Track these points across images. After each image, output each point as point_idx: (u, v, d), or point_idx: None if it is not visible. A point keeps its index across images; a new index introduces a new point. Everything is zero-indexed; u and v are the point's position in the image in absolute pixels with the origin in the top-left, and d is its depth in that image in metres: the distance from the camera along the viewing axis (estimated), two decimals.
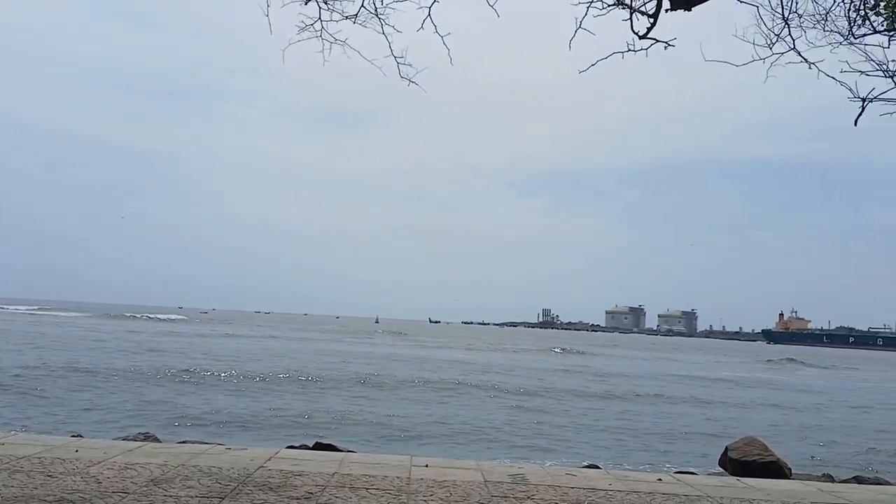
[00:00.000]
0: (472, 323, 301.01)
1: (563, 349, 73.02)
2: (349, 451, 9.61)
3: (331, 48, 6.50)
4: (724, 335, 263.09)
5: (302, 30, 6.39)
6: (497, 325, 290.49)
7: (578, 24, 6.27)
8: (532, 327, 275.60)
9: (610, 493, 6.28)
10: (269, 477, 6.22)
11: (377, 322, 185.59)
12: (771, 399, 34.96)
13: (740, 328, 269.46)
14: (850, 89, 7.43)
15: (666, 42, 6.96)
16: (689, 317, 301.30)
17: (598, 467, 10.97)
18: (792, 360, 77.99)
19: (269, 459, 7.01)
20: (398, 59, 6.47)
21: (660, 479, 7.09)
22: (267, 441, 14.74)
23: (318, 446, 10.53)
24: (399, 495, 5.81)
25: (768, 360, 75.82)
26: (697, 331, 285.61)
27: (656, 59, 7.25)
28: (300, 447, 10.50)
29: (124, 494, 5.38)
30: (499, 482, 6.46)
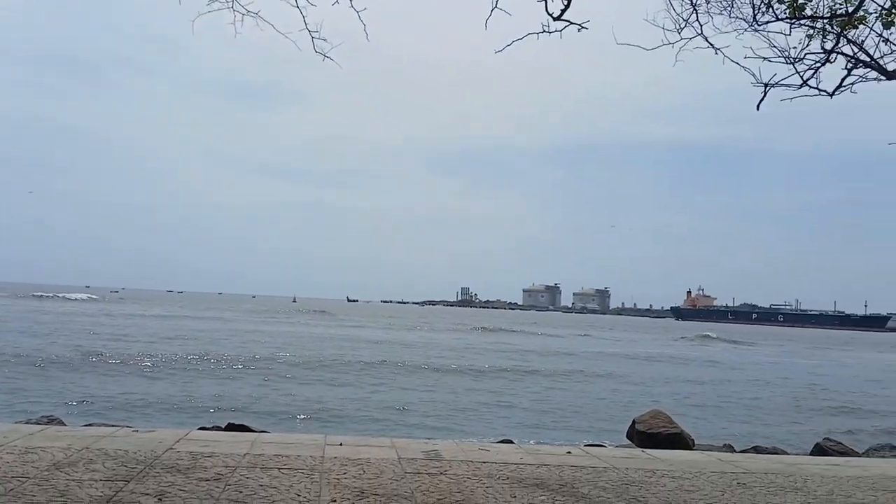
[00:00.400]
0: (391, 302, 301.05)
1: (482, 327, 73.88)
2: (262, 432, 9.50)
3: (243, 20, 6.30)
4: (636, 312, 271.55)
5: (213, 0, 6.18)
6: (417, 303, 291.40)
7: (494, 3, 6.28)
8: (451, 306, 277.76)
9: (521, 466, 6.42)
10: (177, 459, 6.09)
11: (294, 301, 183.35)
12: (680, 373, 36.34)
13: (650, 306, 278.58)
14: (754, 75, 7.71)
15: (580, 24, 7.06)
16: (603, 295, 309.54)
17: (511, 442, 11.20)
18: (707, 336, 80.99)
19: (178, 441, 6.86)
20: (313, 33, 6.33)
21: (569, 452, 7.29)
22: (178, 424, 14.40)
23: (231, 427, 10.34)
24: (311, 474, 5.79)
25: (682, 337, 78.57)
26: (610, 308, 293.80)
27: (573, 41, 7.34)
28: (212, 428, 10.30)
29: (24, 479, 5.18)
30: (413, 459, 6.52)
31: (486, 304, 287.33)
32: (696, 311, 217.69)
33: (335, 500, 5.05)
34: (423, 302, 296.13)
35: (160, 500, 4.88)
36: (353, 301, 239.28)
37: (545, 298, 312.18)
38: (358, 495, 5.19)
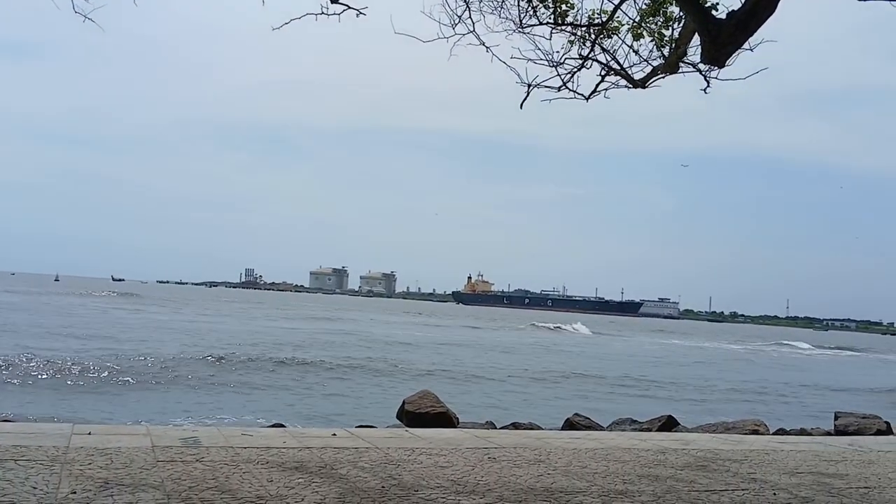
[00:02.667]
0: (167, 282, 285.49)
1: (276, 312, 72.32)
2: (3, 421, 8.66)
3: None
4: (420, 296, 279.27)
5: None
6: (196, 284, 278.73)
7: None
8: (234, 287, 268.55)
9: (283, 450, 6.39)
10: None
11: (57, 280, 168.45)
12: (456, 355, 37.90)
13: (434, 290, 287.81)
14: (518, 74, 8.20)
15: (358, 10, 7.11)
16: (389, 279, 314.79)
17: (283, 426, 11.09)
18: (477, 318, 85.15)
19: None
20: None
21: (334, 434, 7.37)
22: None
23: None
24: (52, 465, 5.37)
25: (461, 319, 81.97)
26: (396, 292, 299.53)
27: (355, 25, 7.34)
28: None
29: None
30: (168, 447, 6.26)
31: (272, 286, 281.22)
32: (475, 295, 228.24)
33: (75, 492, 4.73)
34: (205, 283, 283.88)
35: None
36: (119, 280, 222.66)
37: (332, 281, 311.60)
38: (102, 486, 4.89)
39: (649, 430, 12.31)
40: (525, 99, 8.02)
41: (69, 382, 19.53)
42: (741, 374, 38.81)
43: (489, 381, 26.50)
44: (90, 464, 5.51)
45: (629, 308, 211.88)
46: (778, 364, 51.19)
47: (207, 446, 6.37)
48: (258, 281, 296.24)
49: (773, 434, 11.94)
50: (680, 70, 7.42)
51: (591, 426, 12.51)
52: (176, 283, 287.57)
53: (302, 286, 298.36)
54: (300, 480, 5.33)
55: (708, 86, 7.65)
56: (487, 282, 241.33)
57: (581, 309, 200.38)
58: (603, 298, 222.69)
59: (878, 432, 12.71)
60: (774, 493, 5.85)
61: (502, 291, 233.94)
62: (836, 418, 14.16)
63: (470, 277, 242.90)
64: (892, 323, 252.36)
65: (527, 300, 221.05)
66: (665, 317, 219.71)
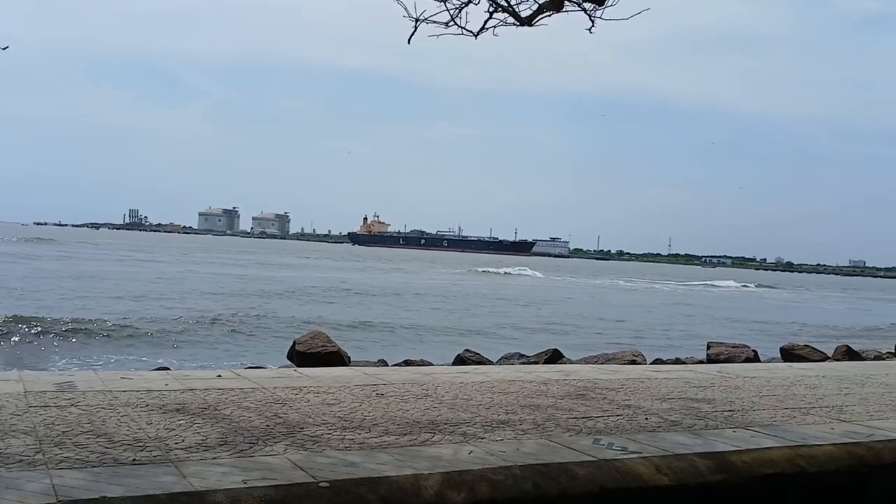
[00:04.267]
0: (45, 224, 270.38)
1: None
2: None
3: None
4: (315, 238, 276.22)
5: None
6: (77, 226, 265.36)
7: None
8: (118, 229, 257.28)
9: (164, 392, 6.25)
10: None
11: None
12: (349, 295, 37.91)
13: (329, 231, 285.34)
14: (406, 8, 8.04)
15: None
16: (283, 220, 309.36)
17: (167, 369, 10.85)
18: (379, 259, 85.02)
19: None
20: None
21: (219, 376, 7.25)
22: None
23: None
24: None
25: (356, 260, 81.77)
26: (290, 233, 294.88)
27: None
28: None
29: None
30: (42, 392, 6.00)
31: (158, 228, 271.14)
32: (371, 236, 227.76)
33: None
34: (86, 224, 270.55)
35: None
36: None
37: (222, 223, 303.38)
38: None
39: (536, 363, 12.77)
40: (413, 34, 7.86)
41: None
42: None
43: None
44: None
45: (522, 248, 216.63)
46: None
47: (84, 391, 6.15)
48: (143, 222, 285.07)
49: (651, 364, 12.61)
50: (565, 9, 7.45)
51: (481, 361, 12.86)
52: (55, 224, 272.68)
53: (191, 227, 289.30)
54: (181, 422, 5.24)
55: (593, 25, 7.72)
56: (384, 223, 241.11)
57: (476, 249, 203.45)
58: (497, 239, 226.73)
59: (747, 360, 13.65)
60: (646, 418, 6.19)
61: (398, 232, 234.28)
62: (708, 348, 15.09)
63: (366, 218, 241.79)
64: (765, 259, 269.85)
65: (423, 241, 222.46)
66: (556, 255, 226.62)
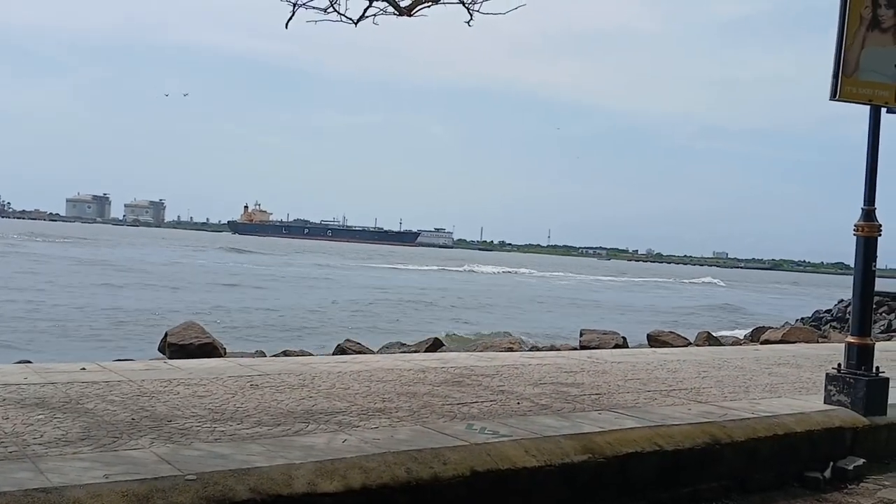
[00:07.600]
0: None
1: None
2: None
3: None
4: (193, 226, 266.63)
5: None
6: None
7: None
8: None
9: (22, 386, 5.91)
10: None
11: None
12: (225, 283, 36.95)
13: (207, 219, 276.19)
14: None
15: None
16: (157, 207, 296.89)
17: (30, 362, 10.24)
18: (244, 250, 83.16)
19: None
20: None
21: (83, 369, 6.92)
22: None
23: None
24: None
25: (229, 248, 79.69)
26: (165, 221, 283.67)
27: None
28: None
29: None
30: None
31: (23, 215, 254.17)
32: (252, 225, 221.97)
33: None
34: None
35: None
36: None
37: (92, 209, 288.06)
38: None
39: (416, 351, 12.89)
40: (290, 18, 7.72)
41: None
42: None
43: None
44: None
45: (407, 238, 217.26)
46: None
47: None
48: (6, 209, 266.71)
49: (527, 351, 12.99)
50: (444, 1, 7.52)
51: (362, 350, 12.85)
52: None
53: (58, 215, 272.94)
54: (40, 417, 4.98)
55: (471, 18, 7.85)
56: (265, 211, 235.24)
57: (360, 239, 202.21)
58: (382, 228, 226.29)
59: (616, 346, 14.28)
60: (518, 403, 6.39)
61: (281, 221, 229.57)
62: (581, 335, 15.68)
63: (247, 207, 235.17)
64: (636, 250, 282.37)
65: (306, 230, 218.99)
66: (441, 246, 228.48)
